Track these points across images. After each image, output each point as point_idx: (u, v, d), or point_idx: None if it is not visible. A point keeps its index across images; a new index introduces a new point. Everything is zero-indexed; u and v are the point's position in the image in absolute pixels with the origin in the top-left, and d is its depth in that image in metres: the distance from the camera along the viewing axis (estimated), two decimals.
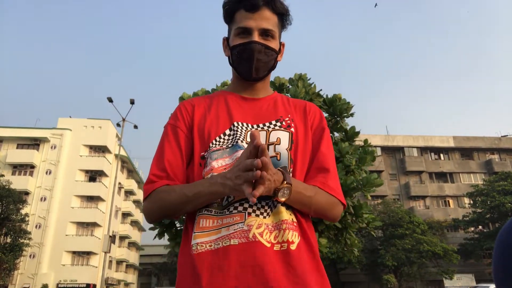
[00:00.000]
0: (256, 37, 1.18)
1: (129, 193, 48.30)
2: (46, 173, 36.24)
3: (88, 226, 37.42)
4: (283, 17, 1.24)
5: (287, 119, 1.22)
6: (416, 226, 33.08)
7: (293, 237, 1.06)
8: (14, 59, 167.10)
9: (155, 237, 7.46)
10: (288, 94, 7.88)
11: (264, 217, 1.07)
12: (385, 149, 45.40)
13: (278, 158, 1.13)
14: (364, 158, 8.04)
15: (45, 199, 35.34)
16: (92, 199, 38.41)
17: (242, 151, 1.09)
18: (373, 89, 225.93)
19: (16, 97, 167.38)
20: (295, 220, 1.10)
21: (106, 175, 39.31)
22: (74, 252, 35.91)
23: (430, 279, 36.09)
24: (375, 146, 40.29)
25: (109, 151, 39.99)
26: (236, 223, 1.04)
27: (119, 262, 45.01)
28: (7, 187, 26.83)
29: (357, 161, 8.09)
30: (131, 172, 48.63)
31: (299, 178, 1.14)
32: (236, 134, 1.16)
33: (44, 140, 37.39)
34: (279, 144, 1.15)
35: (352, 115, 8.31)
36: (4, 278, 27.35)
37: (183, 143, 1.19)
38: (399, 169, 45.36)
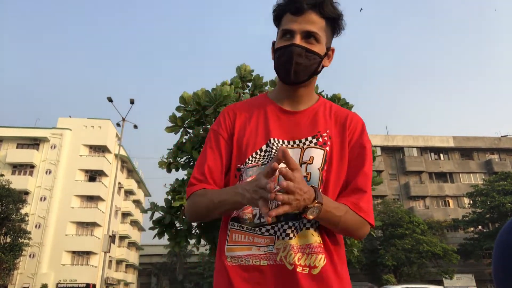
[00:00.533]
0: (297, 40, 1.16)
1: (129, 192, 48.29)
2: (46, 172, 36.25)
3: (88, 226, 37.43)
4: (333, 21, 1.21)
5: (324, 134, 1.21)
6: (416, 226, 33.08)
7: (318, 261, 1.11)
8: (14, 58, 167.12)
9: (154, 237, 7.45)
10: None
11: (291, 238, 1.11)
12: (385, 149, 45.40)
13: (308, 179, 1.14)
14: None
15: (45, 199, 35.34)
16: (92, 199, 38.42)
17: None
18: (373, 89, 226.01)
19: (16, 97, 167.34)
20: (321, 242, 1.13)
21: (106, 175, 39.32)
22: (74, 252, 35.92)
23: (430, 279, 36.05)
24: (375, 146, 40.31)
25: (109, 151, 40.00)
26: (266, 246, 1.11)
27: (119, 262, 45.03)
28: (7, 186, 26.83)
29: None
30: (131, 172, 48.63)
31: (331, 198, 1.15)
32: (271, 151, 1.18)
33: (44, 140, 37.39)
34: (312, 163, 1.15)
35: None
36: (4, 278, 27.35)
37: (223, 150, 1.24)
38: (399, 169, 45.37)
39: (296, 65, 1.16)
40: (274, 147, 1.18)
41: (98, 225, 37.19)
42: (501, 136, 48.07)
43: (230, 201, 1.09)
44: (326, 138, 1.20)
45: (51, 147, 37.38)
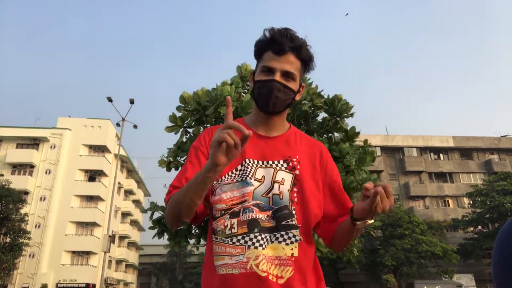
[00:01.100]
0: (278, 77, 1.30)
1: (128, 192, 48.27)
2: (46, 172, 36.22)
3: (87, 225, 37.40)
4: (306, 63, 1.37)
5: (294, 160, 1.35)
6: (415, 226, 33.07)
7: (285, 272, 1.21)
8: (14, 58, 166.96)
9: (154, 237, 7.45)
10: None
11: (263, 248, 1.21)
12: (384, 149, 45.39)
13: (281, 197, 1.27)
14: (364, 158, 8.03)
15: (44, 198, 35.31)
16: (92, 198, 38.39)
17: (250, 187, 1.26)
18: (373, 89, 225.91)
19: (15, 97, 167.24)
20: (291, 255, 1.23)
21: (105, 175, 39.29)
22: (73, 252, 35.89)
23: (429, 279, 36.08)
24: (375, 146, 40.30)
25: (108, 151, 39.96)
26: (237, 255, 1.21)
27: (119, 262, 45.00)
28: (7, 186, 26.80)
29: (357, 161, 8.08)
30: (131, 171, 48.61)
31: (300, 219, 1.27)
32: (246, 170, 1.30)
33: (43, 139, 37.36)
34: (283, 184, 1.29)
35: (352, 115, 8.30)
36: (3, 277, 27.32)
37: (203, 162, 1.33)
38: (399, 169, 45.37)
39: (275, 98, 1.31)
40: (249, 167, 1.30)
41: (98, 225, 37.16)
42: (501, 136, 48.06)
43: (194, 180, 1.13)
44: (295, 163, 1.34)
45: (51, 147, 37.34)
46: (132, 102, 21.99)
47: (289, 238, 1.24)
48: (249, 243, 1.21)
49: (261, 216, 1.23)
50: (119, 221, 44.60)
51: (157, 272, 57.13)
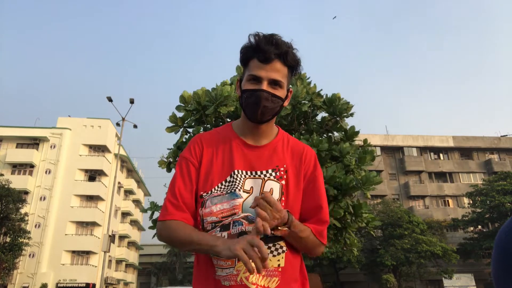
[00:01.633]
0: (265, 86, 1.29)
1: (128, 192, 48.27)
2: (46, 172, 36.21)
3: (87, 225, 37.40)
4: (293, 68, 1.35)
5: (282, 169, 1.36)
6: (415, 226, 33.10)
7: (271, 282, 1.25)
8: (13, 58, 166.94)
9: (154, 236, 7.45)
10: None
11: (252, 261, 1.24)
12: (384, 148, 45.42)
13: None
14: (364, 158, 8.05)
15: (44, 198, 35.31)
16: (92, 198, 38.38)
17: (239, 199, 1.27)
18: (373, 89, 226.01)
19: (15, 97, 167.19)
20: (278, 266, 1.27)
21: (105, 175, 39.29)
22: (73, 252, 35.89)
23: (429, 278, 36.12)
24: (375, 146, 40.31)
25: (108, 151, 39.95)
26: (227, 268, 1.24)
27: (119, 262, 45.01)
28: (7, 186, 26.79)
29: (357, 161, 8.09)
30: (131, 171, 48.61)
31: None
32: (235, 182, 1.31)
33: (43, 139, 37.35)
34: (272, 194, 1.30)
35: (352, 115, 8.31)
36: (3, 277, 27.32)
37: (193, 176, 1.35)
38: (399, 169, 45.38)
39: (263, 107, 1.30)
40: (238, 178, 1.32)
41: (98, 225, 37.15)
42: (501, 136, 48.07)
43: (209, 244, 1.18)
44: (282, 172, 1.35)
45: (51, 147, 37.33)
46: (132, 101, 22.00)
47: (276, 249, 1.27)
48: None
49: (250, 228, 1.23)
50: (119, 221, 44.60)
51: (157, 272, 57.13)
